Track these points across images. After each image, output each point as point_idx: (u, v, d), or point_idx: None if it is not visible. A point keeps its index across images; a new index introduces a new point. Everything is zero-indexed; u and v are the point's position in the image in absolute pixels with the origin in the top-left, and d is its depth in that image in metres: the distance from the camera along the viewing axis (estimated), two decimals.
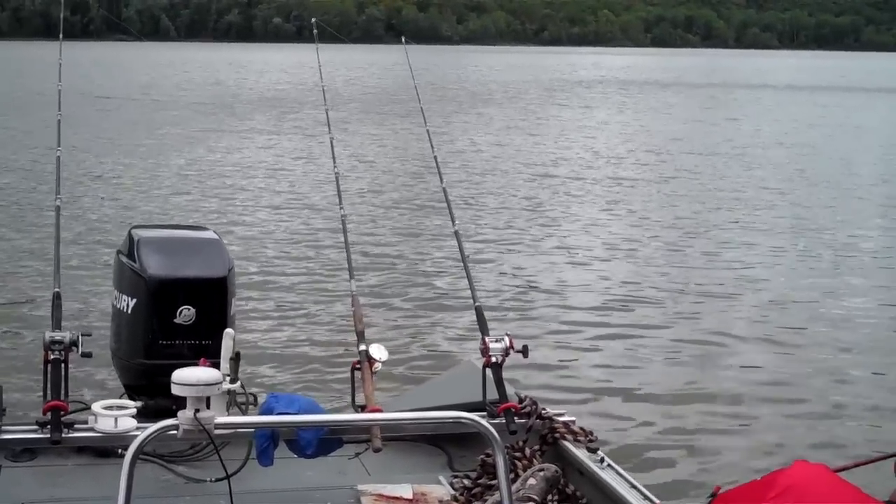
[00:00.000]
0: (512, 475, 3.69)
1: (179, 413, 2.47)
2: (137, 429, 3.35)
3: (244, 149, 22.28)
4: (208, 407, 2.61)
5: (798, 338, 9.43)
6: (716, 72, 58.89)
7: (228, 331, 3.41)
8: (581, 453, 3.70)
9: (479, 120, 30.30)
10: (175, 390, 2.54)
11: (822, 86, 48.19)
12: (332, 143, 5.40)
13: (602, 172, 19.94)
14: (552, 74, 52.01)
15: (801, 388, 8.09)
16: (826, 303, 10.77)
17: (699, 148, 24.10)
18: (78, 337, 3.60)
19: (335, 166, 5.06)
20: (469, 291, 4.35)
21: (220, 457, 3.05)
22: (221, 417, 2.72)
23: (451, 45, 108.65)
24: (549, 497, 3.60)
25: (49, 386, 3.45)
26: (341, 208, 4.71)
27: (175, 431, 2.41)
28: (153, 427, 2.30)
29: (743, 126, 29.31)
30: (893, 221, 15.72)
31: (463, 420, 2.50)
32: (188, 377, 2.53)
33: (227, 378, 3.30)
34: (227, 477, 3.20)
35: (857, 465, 3.91)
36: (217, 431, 2.65)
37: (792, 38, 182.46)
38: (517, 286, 11.12)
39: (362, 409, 3.56)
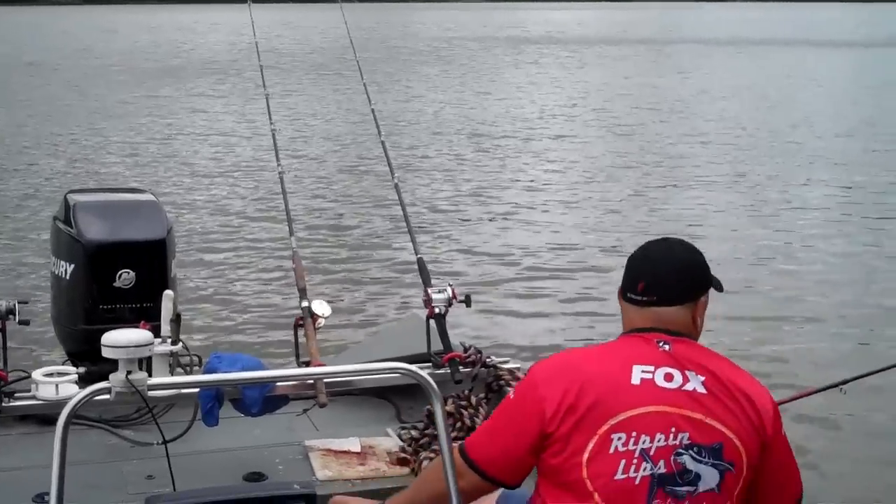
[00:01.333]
0: (458, 423, 3.72)
1: (111, 375, 2.43)
2: None
3: (181, 111, 22.01)
4: (149, 369, 2.59)
5: (742, 291, 9.49)
6: (668, 26, 58.92)
7: (168, 293, 3.39)
8: None
9: (423, 78, 30.13)
10: (106, 353, 2.50)
11: (777, 39, 48.35)
12: (267, 100, 5.37)
13: (548, 130, 19.81)
14: (501, 31, 51.80)
15: (744, 336, 8.19)
16: (770, 254, 10.86)
17: (647, 104, 24.00)
18: (14, 305, 3.56)
19: (271, 123, 5.02)
20: (411, 244, 4.36)
21: (154, 418, 3.04)
22: (155, 378, 2.70)
23: (398, 3, 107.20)
24: None
25: None
26: (279, 165, 4.68)
27: (108, 395, 2.38)
28: (84, 391, 2.27)
29: (693, 82, 29.20)
30: (840, 174, 15.82)
31: (402, 371, 2.50)
32: (118, 339, 2.50)
33: (169, 340, 3.29)
34: (166, 441, 3.19)
35: (801, 396, 3.99)
36: (154, 393, 2.63)
37: None
38: (460, 238, 11.14)
39: (307, 365, 3.56)
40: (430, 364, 3.77)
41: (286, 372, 3.05)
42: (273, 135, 4.96)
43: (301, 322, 3.72)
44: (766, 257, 10.59)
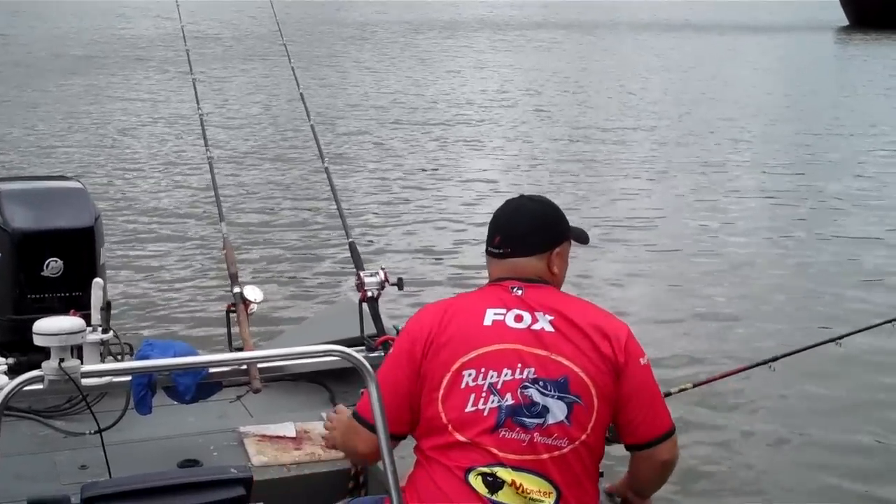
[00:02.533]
0: None
1: (43, 364, 2.41)
2: None
3: (106, 98, 21.63)
4: (80, 358, 2.56)
5: (673, 270, 9.60)
6: (605, 8, 58.94)
7: (98, 280, 3.35)
8: None
9: (354, 62, 29.93)
10: (38, 341, 2.48)
11: (721, 24, 48.63)
12: (194, 84, 5.30)
13: (479, 114, 19.70)
14: (435, 14, 51.55)
15: (675, 314, 8.29)
16: (702, 233, 11.01)
17: (581, 89, 24.00)
18: None
19: (199, 108, 4.98)
20: (342, 228, 4.35)
21: (88, 405, 3.01)
22: (88, 366, 2.67)
23: None
24: None
25: None
26: (207, 150, 4.65)
27: (40, 384, 2.35)
28: (16, 380, 2.24)
29: (632, 66, 29.38)
30: (771, 157, 16.05)
31: (336, 353, 2.51)
32: (49, 327, 2.47)
33: (100, 328, 3.26)
34: (100, 430, 3.17)
35: (732, 373, 4.05)
36: (87, 381, 2.60)
37: None
38: (392, 222, 11.14)
39: (240, 351, 3.55)
40: (363, 347, 3.78)
41: (219, 357, 3.04)
42: (201, 119, 4.92)
43: (233, 308, 3.71)
44: (697, 236, 10.73)
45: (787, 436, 6.22)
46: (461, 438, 2.60)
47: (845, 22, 51.33)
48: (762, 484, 5.64)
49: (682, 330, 7.70)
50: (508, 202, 2.90)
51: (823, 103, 21.44)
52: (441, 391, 2.64)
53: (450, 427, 2.62)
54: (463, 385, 2.62)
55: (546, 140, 16.62)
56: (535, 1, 61.76)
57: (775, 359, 3.92)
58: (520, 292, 2.72)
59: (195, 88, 5.21)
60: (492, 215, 2.90)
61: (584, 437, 2.60)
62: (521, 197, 2.93)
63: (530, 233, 2.80)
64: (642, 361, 2.68)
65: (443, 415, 2.63)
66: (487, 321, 2.67)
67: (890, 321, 4.29)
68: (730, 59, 31.26)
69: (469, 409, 2.60)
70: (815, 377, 6.76)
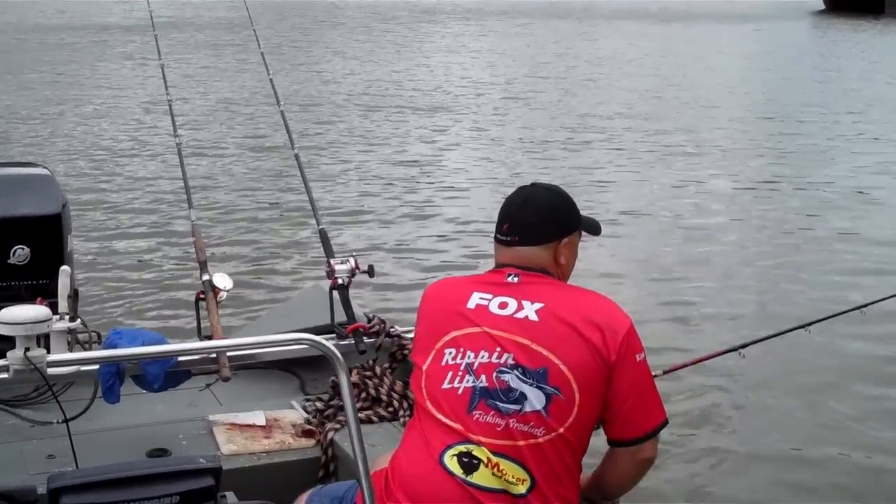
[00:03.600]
0: (363, 393, 3.72)
1: (9, 353, 2.39)
2: None
3: (74, 83, 21.47)
4: (47, 347, 2.53)
5: (647, 257, 9.62)
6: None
7: (65, 268, 3.32)
8: None
9: (325, 48, 29.83)
10: (2, 330, 2.45)
11: (696, 13, 48.70)
12: (163, 69, 5.27)
13: (450, 100, 19.72)
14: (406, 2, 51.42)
15: (645, 300, 8.31)
16: (675, 219, 11.05)
17: (556, 75, 24.04)
18: None
19: (168, 94, 4.94)
20: (313, 215, 4.33)
21: (54, 395, 2.98)
22: (54, 355, 2.64)
23: None
24: (402, 410, 3.65)
25: None
26: (176, 136, 4.61)
27: (6, 374, 2.33)
28: None
29: (608, 54, 29.34)
30: (744, 145, 16.11)
31: (306, 342, 2.49)
32: (14, 316, 2.45)
33: (67, 317, 3.23)
34: (67, 420, 3.14)
35: (695, 362, 4.05)
36: (53, 370, 2.58)
37: None
38: (363, 209, 11.11)
39: (209, 339, 3.53)
40: (334, 335, 3.77)
41: (188, 346, 3.02)
42: (170, 105, 4.88)
43: (202, 296, 3.67)
44: (669, 224, 10.78)
45: (757, 421, 6.25)
46: (437, 415, 2.62)
47: (821, 7, 51.71)
48: (732, 470, 5.67)
49: (652, 317, 7.72)
50: (521, 189, 2.87)
51: (799, 90, 21.57)
52: (425, 366, 2.71)
53: (428, 403, 2.65)
54: (443, 363, 2.66)
55: (520, 127, 16.63)
56: None
57: (745, 345, 3.91)
58: (515, 279, 2.72)
59: (164, 74, 5.17)
60: (503, 202, 2.87)
61: (561, 429, 2.57)
62: (534, 185, 2.89)
63: (539, 223, 2.78)
64: (638, 358, 2.64)
65: (424, 390, 2.68)
66: (471, 304, 2.70)
67: (858, 308, 4.31)
68: (706, 47, 31.33)
69: (445, 385, 2.63)
70: (785, 363, 6.81)
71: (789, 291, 8.63)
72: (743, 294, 8.60)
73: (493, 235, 2.87)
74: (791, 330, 4.05)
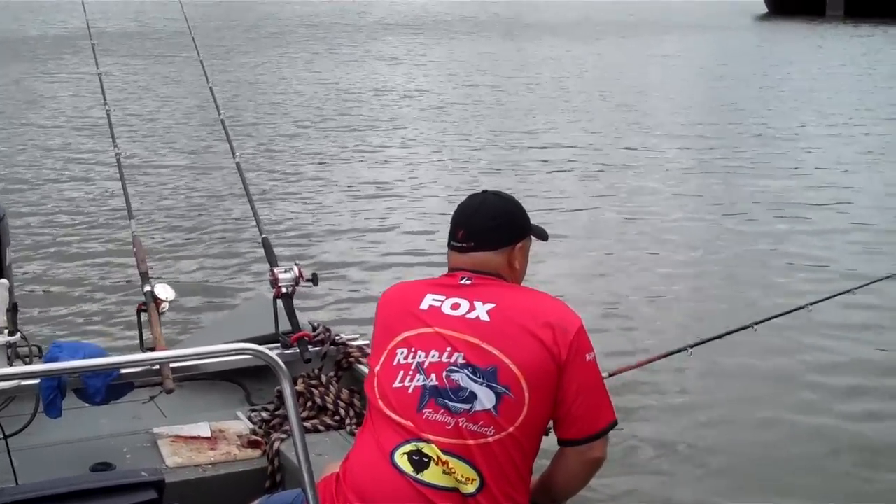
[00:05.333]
0: (309, 402, 3.70)
1: None
2: None
3: (8, 95, 21.19)
4: None
5: (595, 258, 9.67)
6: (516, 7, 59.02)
7: (3, 281, 3.28)
8: None
9: (266, 58, 29.65)
10: None
11: (643, 22, 48.97)
12: (100, 79, 5.22)
13: (392, 109, 19.62)
14: (345, 14, 51.26)
15: (597, 303, 8.35)
16: (623, 223, 11.12)
17: (498, 84, 24.05)
18: None
19: (106, 103, 4.89)
20: (255, 223, 4.30)
21: None
22: None
23: None
24: (349, 418, 3.64)
25: None
26: (115, 147, 4.56)
27: None
28: None
29: (550, 63, 29.39)
30: (688, 148, 16.21)
31: (250, 352, 2.47)
32: None
33: (6, 331, 3.19)
34: (6, 436, 3.10)
35: (642, 365, 4.07)
36: None
37: None
38: (307, 217, 11.06)
39: (151, 351, 3.49)
40: (278, 344, 3.74)
41: (130, 358, 2.99)
42: (108, 115, 4.83)
43: (144, 307, 3.63)
44: (616, 227, 10.85)
45: (706, 421, 6.30)
46: (388, 413, 2.63)
47: (764, 10, 52.45)
48: (680, 470, 5.71)
49: (598, 321, 7.75)
50: (472, 197, 2.93)
51: (742, 94, 21.73)
52: (378, 367, 2.73)
53: (380, 402, 2.66)
54: (395, 363, 2.68)
55: (462, 136, 16.61)
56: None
57: (691, 346, 3.93)
58: (468, 282, 2.76)
59: (101, 84, 5.12)
60: (455, 210, 2.92)
61: (511, 429, 2.58)
62: (485, 192, 2.94)
63: (494, 228, 2.83)
64: (588, 357, 2.67)
65: (376, 389, 2.70)
66: (424, 305, 2.74)
67: (804, 307, 4.35)
68: (652, 55, 31.50)
69: (396, 384, 2.65)
70: (732, 363, 6.88)
71: (735, 292, 8.69)
72: (689, 297, 8.65)
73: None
74: (738, 330, 4.08)
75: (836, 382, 6.87)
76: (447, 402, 2.58)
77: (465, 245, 2.83)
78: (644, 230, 10.57)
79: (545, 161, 14.15)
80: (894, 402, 6.56)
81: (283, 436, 3.51)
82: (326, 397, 3.70)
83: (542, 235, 2.97)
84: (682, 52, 31.94)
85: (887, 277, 4.90)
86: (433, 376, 2.62)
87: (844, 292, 4.73)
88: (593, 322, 7.60)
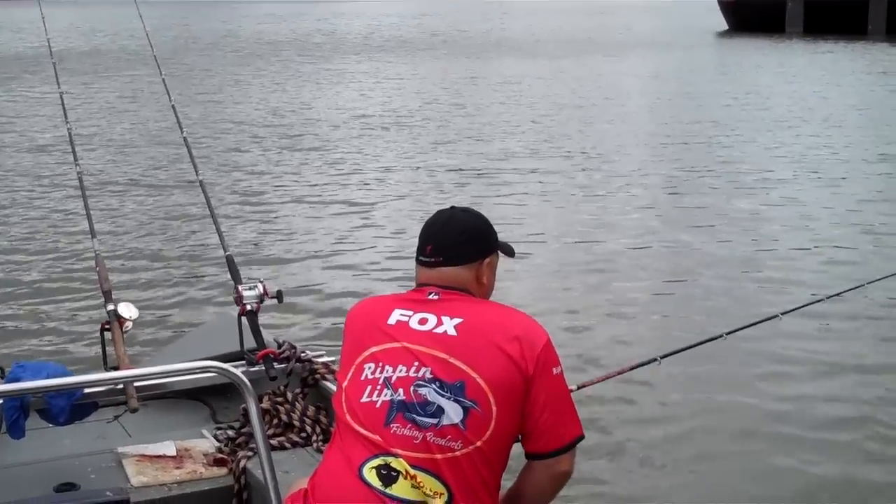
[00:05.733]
0: (275, 420, 3.69)
1: None
2: None
3: None
4: None
5: (565, 276, 9.68)
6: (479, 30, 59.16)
7: None
8: None
9: (231, 76, 29.60)
10: None
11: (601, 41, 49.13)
12: (62, 97, 5.21)
13: (354, 128, 19.57)
14: (315, 26, 51.21)
15: (564, 315, 8.37)
16: (586, 233, 11.14)
17: (465, 104, 24.10)
18: None
19: (67, 122, 4.87)
20: (219, 241, 4.29)
21: None
22: None
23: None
24: (315, 435, 3.63)
25: None
26: (77, 165, 4.54)
27: None
28: None
29: (507, 82, 29.43)
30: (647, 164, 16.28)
31: (215, 370, 2.46)
32: None
33: None
34: None
35: (611, 376, 4.08)
36: None
37: None
38: (271, 234, 11.03)
39: (115, 370, 3.46)
40: (243, 362, 3.73)
41: (93, 377, 2.97)
42: (70, 133, 4.81)
43: (107, 326, 3.61)
44: (581, 238, 10.87)
45: (675, 432, 6.31)
46: (357, 427, 2.63)
47: (725, 27, 52.91)
48: (649, 482, 5.73)
49: (566, 332, 7.78)
50: (440, 213, 2.94)
51: (707, 109, 21.85)
52: (346, 382, 2.72)
53: (347, 417, 2.66)
54: (363, 377, 2.69)
55: (429, 152, 16.63)
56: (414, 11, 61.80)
57: (661, 357, 3.94)
58: (435, 297, 2.77)
59: (63, 102, 5.10)
60: (423, 225, 2.92)
61: (479, 443, 2.58)
62: (453, 208, 2.96)
63: (463, 243, 2.85)
64: (555, 371, 2.68)
65: (344, 404, 2.70)
66: (392, 321, 2.74)
67: (775, 316, 4.39)
68: (615, 72, 31.62)
69: (364, 399, 2.65)
70: (702, 373, 6.91)
71: (704, 305, 8.68)
72: (657, 310, 8.65)
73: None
74: (708, 341, 4.11)
75: (806, 391, 6.91)
76: (415, 416, 2.59)
77: (433, 260, 2.83)
78: (610, 246, 10.59)
79: (509, 178, 14.16)
80: (866, 411, 6.58)
81: (250, 453, 3.50)
82: (292, 414, 3.69)
83: (509, 251, 2.99)
84: (644, 70, 32.11)
85: (856, 287, 4.96)
86: (401, 391, 2.62)
87: (814, 302, 4.79)
88: (561, 336, 7.63)
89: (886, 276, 5.77)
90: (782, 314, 4.38)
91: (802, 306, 4.71)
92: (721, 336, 4.08)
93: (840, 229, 11.32)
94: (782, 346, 7.52)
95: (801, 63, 32.97)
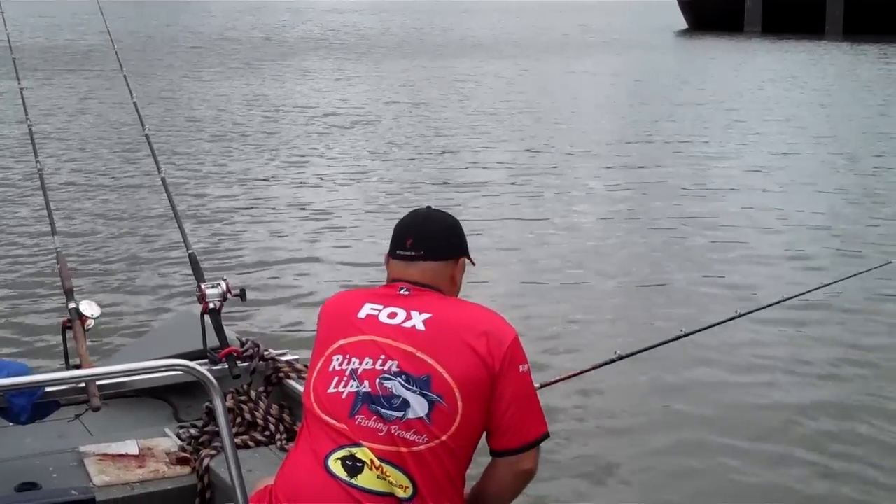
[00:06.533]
0: (238, 418, 3.68)
1: None
2: None
3: None
4: None
5: (527, 275, 9.69)
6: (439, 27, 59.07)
7: None
8: None
9: (192, 74, 29.43)
10: None
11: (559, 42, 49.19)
12: (21, 93, 5.16)
13: (318, 126, 19.41)
14: (277, 21, 51.00)
15: (527, 315, 8.38)
16: (547, 234, 11.16)
17: (427, 106, 24.09)
18: None
19: (27, 118, 4.84)
20: (182, 239, 4.27)
21: None
22: None
23: None
24: (279, 434, 3.62)
25: None
26: (37, 162, 4.51)
27: None
28: None
29: (469, 85, 29.37)
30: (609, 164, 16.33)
31: (179, 367, 2.45)
32: None
33: None
34: None
35: (573, 376, 4.08)
36: None
37: None
38: (234, 232, 10.98)
39: (77, 368, 3.44)
40: (206, 360, 3.71)
41: (54, 376, 2.95)
42: (30, 130, 4.78)
43: (69, 324, 3.59)
44: (544, 238, 10.90)
45: (637, 431, 6.33)
46: (323, 417, 2.65)
47: (684, 26, 53.22)
48: (614, 481, 5.74)
49: (530, 333, 7.78)
50: (417, 211, 2.98)
51: (668, 109, 21.95)
52: (315, 373, 2.75)
53: (315, 407, 2.68)
54: (331, 369, 2.71)
55: (392, 153, 16.59)
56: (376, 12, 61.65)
57: (623, 357, 3.96)
58: (406, 292, 2.80)
59: (23, 98, 5.06)
60: (397, 223, 2.95)
61: (444, 437, 2.59)
62: (428, 208, 3.00)
63: (445, 237, 2.90)
64: (522, 368, 2.70)
65: (312, 394, 2.72)
66: (362, 314, 2.76)
67: (736, 316, 4.42)
68: (574, 72, 31.68)
69: (331, 390, 2.67)
70: (663, 373, 6.94)
71: (666, 307, 8.69)
72: (619, 312, 8.65)
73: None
74: (670, 340, 4.13)
75: (768, 392, 6.94)
76: (379, 408, 2.60)
77: (412, 253, 2.85)
78: (571, 248, 10.58)
79: (470, 180, 14.09)
80: (828, 412, 6.61)
81: (213, 452, 3.49)
82: (256, 413, 3.68)
83: (471, 260, 3.02)
84: (604, 70, 32.20)
85: (817, 288, 5.00)
86: (366, 383, 2.64)
87: (774, 304, 4.82)
88: (524, 336, 7.63)
89: (845, 278, 5.84)
90: (742, 315, 4.42)
91: (762, 308, 4.76)
92: (683, 336, 4.11)
93: (801, 230, 11.39)
94: (743, 346, 7.57)
95: (761, 62, 33.21)
